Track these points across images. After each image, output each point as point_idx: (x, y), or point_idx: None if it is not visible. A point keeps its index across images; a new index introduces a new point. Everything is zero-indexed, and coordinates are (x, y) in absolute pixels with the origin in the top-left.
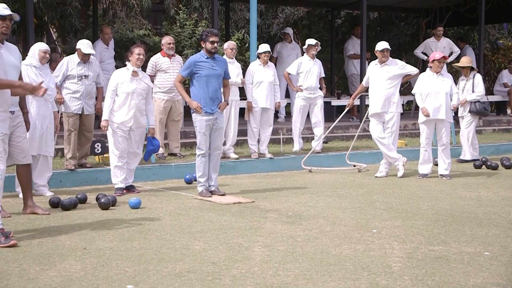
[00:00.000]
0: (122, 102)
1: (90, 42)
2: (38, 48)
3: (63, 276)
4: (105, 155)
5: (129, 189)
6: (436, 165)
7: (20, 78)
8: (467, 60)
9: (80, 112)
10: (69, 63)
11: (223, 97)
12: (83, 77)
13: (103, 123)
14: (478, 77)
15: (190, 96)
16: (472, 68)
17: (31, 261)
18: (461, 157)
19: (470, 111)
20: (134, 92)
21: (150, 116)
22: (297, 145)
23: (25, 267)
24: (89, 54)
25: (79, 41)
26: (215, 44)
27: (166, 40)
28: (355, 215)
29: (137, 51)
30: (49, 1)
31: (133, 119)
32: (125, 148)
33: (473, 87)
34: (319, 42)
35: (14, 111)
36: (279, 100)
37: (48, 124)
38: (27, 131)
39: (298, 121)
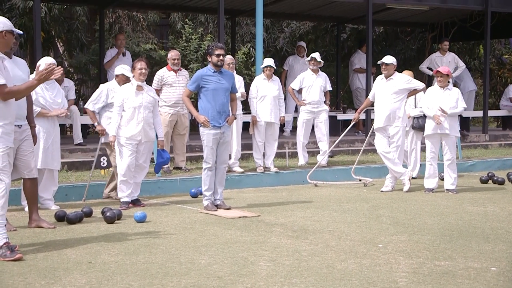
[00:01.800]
0: (130, 117)
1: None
2: (45, 62)
3: None
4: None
5: (135, 203)
6: (442, 179)
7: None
8: (408, 73)
9: None
10: (109, 90)
11: (230, 111)
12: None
13: (110, 139)
14: (421, 93)
15: (198, 110)
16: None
17: (37, 275)
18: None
19: (413, 127)
20: (140, 106)
21: (159, 128)
22: (302, 159)
23: (30, 281)
24: (126, 77)
25: (119, 66)
26: (221, 57)
27: (172, 55)
28: (361, 230)
29: (139, 66)
30: (56, 16)
31: (142, 132)
32: (132, 163)
33: (415, 102)
34: (315, 57)
35: (21, 125)
36: (284, 114)
37: (54, 137)
38: (34, 145)
39: (301, 135)
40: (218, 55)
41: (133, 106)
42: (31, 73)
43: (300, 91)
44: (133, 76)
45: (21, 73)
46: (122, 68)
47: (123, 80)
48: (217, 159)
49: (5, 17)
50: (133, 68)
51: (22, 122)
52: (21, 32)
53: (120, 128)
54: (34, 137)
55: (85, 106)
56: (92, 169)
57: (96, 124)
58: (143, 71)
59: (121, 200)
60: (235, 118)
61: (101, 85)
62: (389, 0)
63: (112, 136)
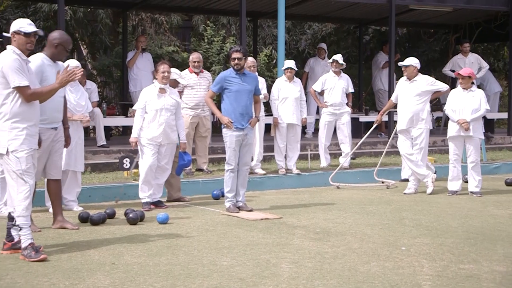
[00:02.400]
0: (152, 119)
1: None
2: (69, 65)
3: None
4: (133, 170)
5: (157, 204)
6: (466, 182)
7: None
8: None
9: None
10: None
11: (254, 113)
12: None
13: (131, 140)
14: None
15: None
16: None
17: (61, 276)
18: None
19: None
20: (162, 109)
21: (181, 131)
22: (324, 161)
23: (54, 282)
24: (176, 82)
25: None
26: (236, 61)
27: (193, 57)
28: (384, 232)
29: (162, 69)
30: (80, 18)
31: (163, 134)
32: (153, 164)
33: None
34: (337, 60)
35: (57, 127)
36: (305, 116)
37: (78, 139)
38: (67, 147)
39: (323, 137)
40: (234, 59)
41: (155, 108)
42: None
43: (322, 93)
44: (156, 79)
45: None
46: (173, 72)
47: (172, 84)
48: (239, 161)
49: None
50: (156, 71)
51: (58, 124)
52: (42, 33)
53: (142, 129)
54: (68, 138)
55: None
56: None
57: None
58: (166, 74)
59: (142, 201)
60: (258, 120)
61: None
62: (412, 1)
63: (134, 138)
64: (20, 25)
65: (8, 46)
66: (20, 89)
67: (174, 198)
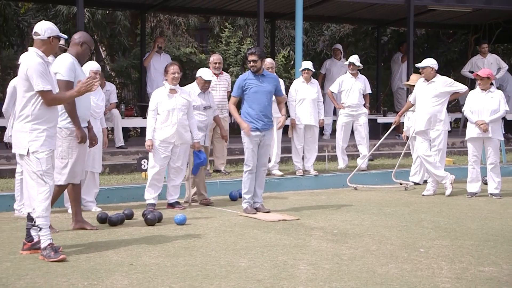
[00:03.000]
0: (164, 119)
1: (209, 70)
2: (89, 68)
3: None
4: None
5: (174, 205)
6: (486, 183)
7: None
8: (417, 78)
9: (204, 144)
10: (190, 93)
11: (280, 113)
12: (208, 107)
13: (147, 143)
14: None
15: (240, 113)
16: None
17: (79, 276)
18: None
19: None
20: (174, 109)
21: (194, 130)
22: (341, 162)
23: (73, 282)
24: (209, 82)
25: (200, 69)
26: (252, 63)
27: (213, 59)
28: (402, 234)
29: (172, 70)
30: (99, 20)
31: (176, 134)
32: (164, 166)
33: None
34: (354, 62)
35: (86, 126)
36: (323, 117)
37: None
38: (92, 146)
39: (341, 138)
40: (249, 61)
41: (167, 109)
42: None
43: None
44: (166, 80)
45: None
46: (202, 70)
47: (201, 83)
48: (257, 161)
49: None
50: (166, 72)
51: (84, 124)
52: (66, 36)
53: (155, 131)
54: (95, 138)
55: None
56: (188, 172)
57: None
58: (176, 75)
59: (147, 202)
60: (286, 119)
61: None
62: (431, 1)
63: (149, 140)
64: (56, 30)
65: (30, 48)
66: (43, 93)
67: (203, 201)
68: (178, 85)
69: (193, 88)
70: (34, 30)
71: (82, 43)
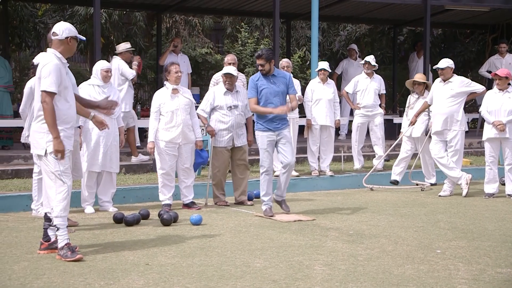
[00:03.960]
0: (169, 120)
1: (234, 67)
2: (100, 67)
3: None
4: None
5: (190, 206)
6: (503, 184)
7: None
8: (422, 77)
9: (230, 145)
10: (215, 93)
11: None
12: (232, 107)
13: (149, 145)
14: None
15: (255, 116)
16: (427, 86)
17: (96, 276)
18: (432, 181)
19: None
20: (178, 109)
21: (196, 129)
22: (357, 163)
23: (90, 281)
24: (232, 76)
25: (226, 67)
26: (260, 67)
27: (228, 59)
28: (418, 235)
29: (174, 70)
30: (115, 21)
31: (181, 135)
32: (172, 167)
33: (429, 112)
34: (370, 61)
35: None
36: (339, 118)
37: (112, 141)
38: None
39: (356, 139)
40: (257, 65)
41: (170, 110)
42: (88, 77)
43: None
44: (167, 80)
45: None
46: (227, 69)
47: (225, 79)
48: (283, 160)
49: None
50: (168, 72)
51: (76, 125)
52: (84, 38)
53: (159, 132)
54: (111, 104)
55: (196, 112)
56: (210, 172)
57: (206, 126)
58: (179, 74)
59: (162, 203)
60: (291, 109)
61: (210, 89)
62: (447, 1)
63: (151, 142)
64: (74, 31)
65: (49, 49)
66: (44, 94)
67: (238, 201)
68: (179, 84)
69: (218, 87)
70: (52, 31)
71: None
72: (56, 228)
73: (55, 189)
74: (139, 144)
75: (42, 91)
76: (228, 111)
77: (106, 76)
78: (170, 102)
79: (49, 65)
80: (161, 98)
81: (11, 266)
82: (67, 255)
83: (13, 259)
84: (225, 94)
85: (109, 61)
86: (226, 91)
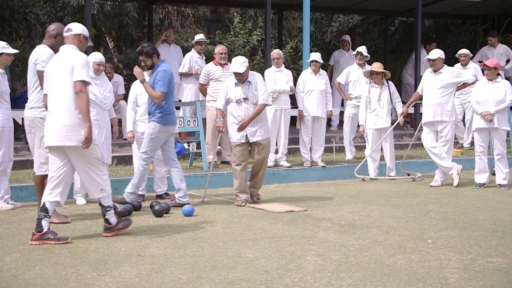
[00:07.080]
0: (144, 112)
1: (241, 59)
2: (92, 60)
3: (118, 282)
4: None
5: (163, 197)
6: (494, 174)
7: None
8: (379, 66)
9: (243, 141)
10: (228, 85)
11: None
12: (242, 100)
13: (128, 135)
14: (392, 85)
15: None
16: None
17: (88, 267)
18: (393, 175)
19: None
20: None
21: None
22: (349, 154)
23: (82, 273)
24: (238, 73)
25: (231, 66)
26: (142, 63)
27: (219, 49)
28: (410, 225)
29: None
30: (107, 12)
31: None
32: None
33: (391, 96)
34: (362, 52)
35: None
36: (331, 109)
37: (106, 132)
38: None
39: (348, 129)
40: (140, 62)
41: (145, 101)
42: None
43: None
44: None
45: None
46: (234, 68)
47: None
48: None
49: (58, 15)
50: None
51: None
52: (92, 44)
53: (136, 123)
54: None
55: (212, 106)
56: (210, 169)
57: (218, 120)
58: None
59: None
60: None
61: (224, 82)
62: None
63: (130, 132)
64: (87, 32)
65: (64, 46)
66: (81, 83)
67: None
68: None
69: (230, 79)
70: (66, 27)
71: (56, 35)
72: (110, 208)
73: (101, 172)
74: None
75: (78, 81)
76: (237, 105)
77: (98, 69)
78: (146, 94)
79: (84, 56)
80: (138, 89)
81: (3, 257)
82: (120, 227)
83: (5, 250)
84: (236, 86)
85: (100, 51)
86: (237, 82)
